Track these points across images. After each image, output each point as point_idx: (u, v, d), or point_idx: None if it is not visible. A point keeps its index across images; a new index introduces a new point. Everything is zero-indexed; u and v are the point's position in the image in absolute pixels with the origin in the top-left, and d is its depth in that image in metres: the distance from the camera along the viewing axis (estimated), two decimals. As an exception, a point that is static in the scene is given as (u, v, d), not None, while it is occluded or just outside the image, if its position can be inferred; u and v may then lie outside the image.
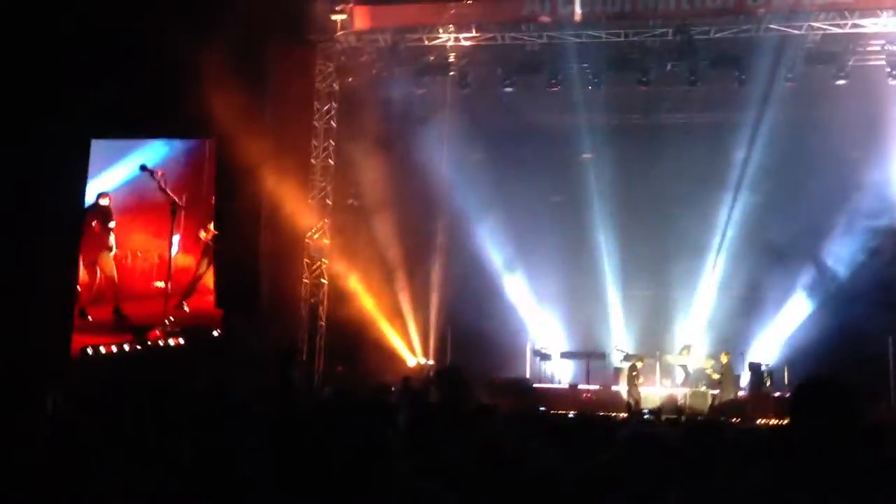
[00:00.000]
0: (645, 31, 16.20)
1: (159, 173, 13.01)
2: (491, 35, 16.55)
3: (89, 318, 13.98)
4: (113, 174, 14.39)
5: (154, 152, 14.32)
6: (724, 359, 15.97)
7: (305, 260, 16.68)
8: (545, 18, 16.03)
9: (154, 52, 12.75)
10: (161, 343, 13.21)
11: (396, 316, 17.42)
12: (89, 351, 13.13)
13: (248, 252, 15.63)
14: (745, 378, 16.22)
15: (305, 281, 16.66)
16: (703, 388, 15.92)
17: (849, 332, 15.23)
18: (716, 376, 16.03)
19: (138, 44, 12.78)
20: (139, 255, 14.23)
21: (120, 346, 13.32)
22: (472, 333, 16.59)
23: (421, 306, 17.69)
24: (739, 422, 12.07)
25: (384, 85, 17.17)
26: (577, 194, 17.47)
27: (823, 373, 3.00)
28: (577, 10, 15.94)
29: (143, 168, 13.18)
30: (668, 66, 16.62)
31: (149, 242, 14.25)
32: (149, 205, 13.54)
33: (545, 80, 16.65)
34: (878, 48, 15.86)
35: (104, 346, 13.23)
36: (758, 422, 12.77)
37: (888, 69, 15.63)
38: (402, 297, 17.53)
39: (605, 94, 16.88)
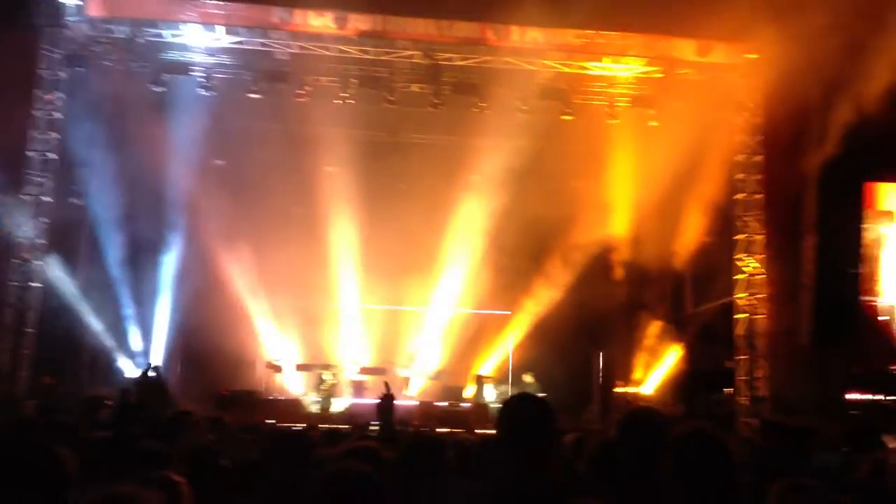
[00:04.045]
0: (394, 51, 16.59)
1: None
2: (239, 39, 16.14)
3: None
4: None
5: None
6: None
7: (14, 261, 15.09)
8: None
9: None
10: None
11: (119, 326, 16.28)
12: None
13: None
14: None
15: (14, 283, 15.06)
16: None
17: (561, 347, 16.58)
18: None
19: None
20: None
21: None
22: (204, 345, 15.95)
23: (148, 314, 16.67)
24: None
25: (120, 79, 16.06)
26: (319, 206, 17.40)
27: None
28: (330, 23, 16.02)
29: None
30: (415, 88, 17.13)
31: None
32: None
33: (293, 89, 16.48)
34: (599, 90, 17.38)
35: None
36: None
37: (607, 109, 17.19)
38: (126, 306, 16.42)
39: (352, 108, 16.98)
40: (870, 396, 15.09)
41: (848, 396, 15.49)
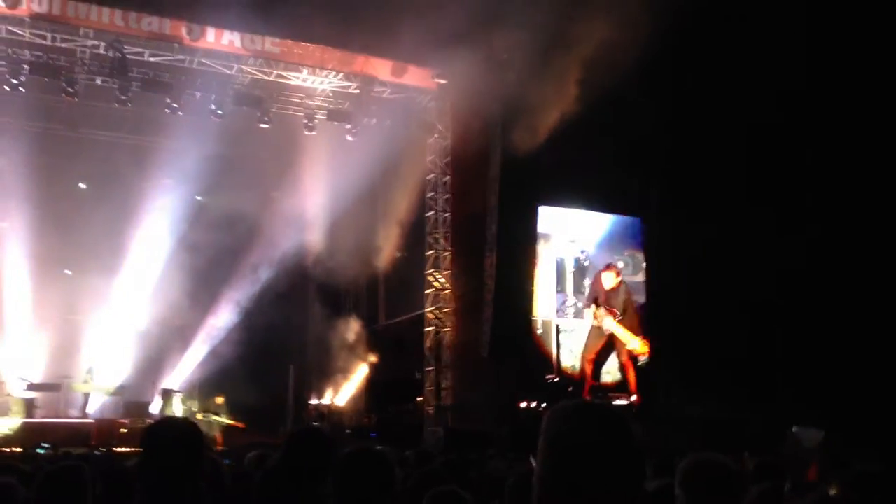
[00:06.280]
0: (75, 39, 15.33)
1: None
2: None
3: None
4: None
5: None
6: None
7: None
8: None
9: None
10: None
11: None
12: None
13: None
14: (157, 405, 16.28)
15: None
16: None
17: (253, 362, 16.22)
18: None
19: None
20: None
21: None
22: None
23: None
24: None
25: None
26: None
27: None
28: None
29: None
30: (99, 81, 15.95)
31: None
32: None
33: (-50, 69, 14.69)
34: (297, 101, 17.26)
35: None
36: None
37: (305, 121, 17.09)
38: None
39: (26, 97, 15.49)
40: (534, 404, 16.30)
41: (521, 405, 16.65)
